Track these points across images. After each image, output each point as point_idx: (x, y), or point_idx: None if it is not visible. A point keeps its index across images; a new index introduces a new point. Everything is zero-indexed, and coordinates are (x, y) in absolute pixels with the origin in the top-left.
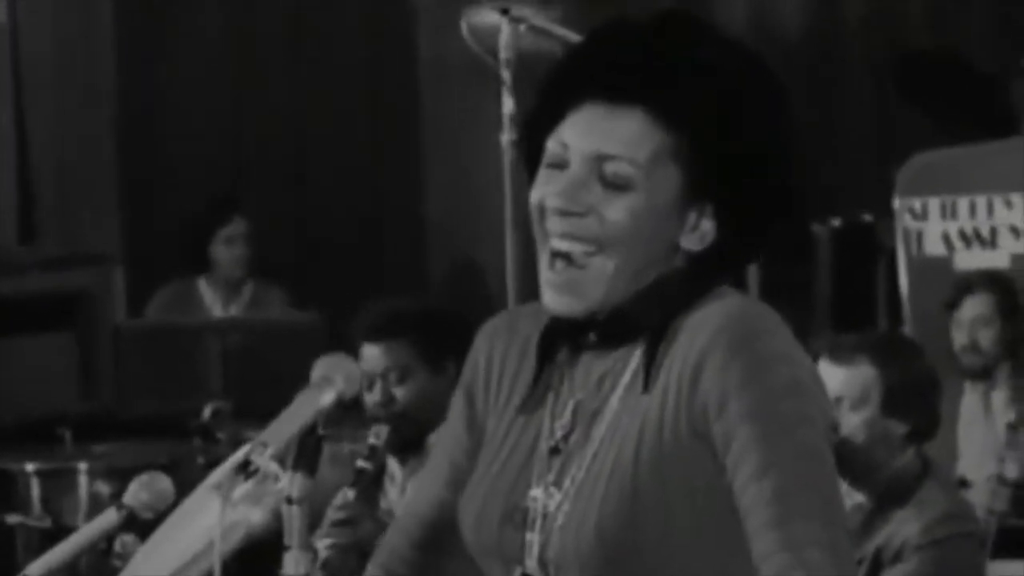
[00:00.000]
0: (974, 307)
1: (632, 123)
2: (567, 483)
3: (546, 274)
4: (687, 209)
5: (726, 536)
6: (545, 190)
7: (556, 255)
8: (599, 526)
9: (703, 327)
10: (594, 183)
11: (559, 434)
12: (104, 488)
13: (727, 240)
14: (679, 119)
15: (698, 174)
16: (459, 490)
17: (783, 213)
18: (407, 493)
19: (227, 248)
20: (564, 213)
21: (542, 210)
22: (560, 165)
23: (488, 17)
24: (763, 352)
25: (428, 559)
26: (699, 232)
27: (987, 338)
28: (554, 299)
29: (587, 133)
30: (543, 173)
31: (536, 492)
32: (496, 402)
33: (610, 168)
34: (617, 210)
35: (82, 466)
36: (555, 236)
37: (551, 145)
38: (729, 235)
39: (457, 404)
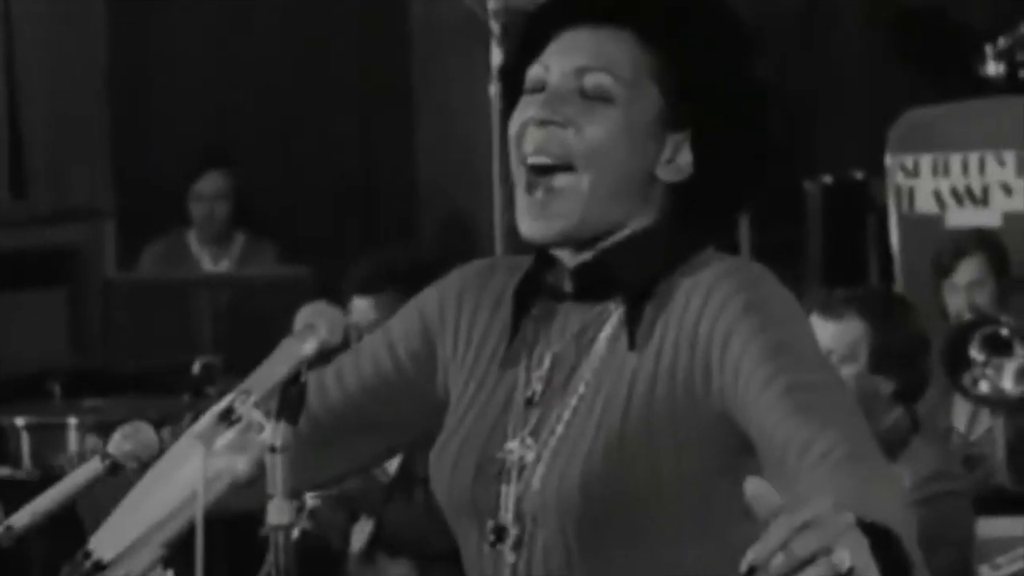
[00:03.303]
0: (969, 271)
1: (615, 42)
2: (545, 435)
3: (522, 200)
4: (664, 136)
5: (710, 496)
6: (525, 112)
7: (532, 173)
8: (584, 480)
9: (699, 286)
10: (574, 96)
11: (537, 386)
12: (94, 443)
13: (704, 179)
14: (662, 40)
15: (677, 98)
16: (373, 398)
17: (759, 154)
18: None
19: (198, 204)
20: (543, 123)
21: (521, 131)
22: (540, 89)
23: None
24: (762, 291)
25: (315, 436)
26: (675, 165)
27: (984, 297)
28: (530, 225)
29: (569, 51)
30: (523, 100)
31: (512, 444)
32: (464, 355)
33: (590, 80)
34: (596, 124)
35: (72, 420)
36: (531, 152)
37: (533, 71)
38: (706, 173)
39: (407, 322)
